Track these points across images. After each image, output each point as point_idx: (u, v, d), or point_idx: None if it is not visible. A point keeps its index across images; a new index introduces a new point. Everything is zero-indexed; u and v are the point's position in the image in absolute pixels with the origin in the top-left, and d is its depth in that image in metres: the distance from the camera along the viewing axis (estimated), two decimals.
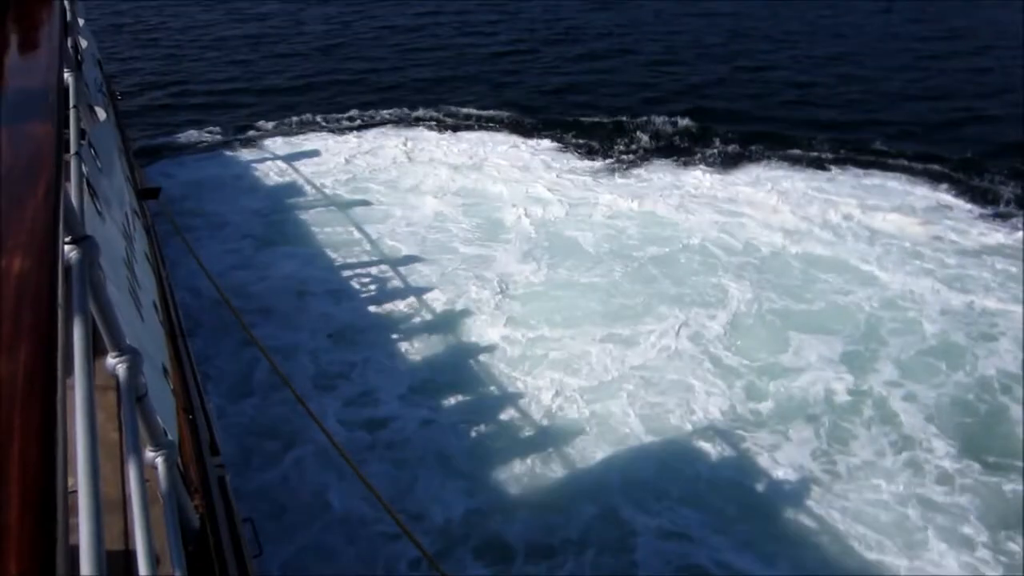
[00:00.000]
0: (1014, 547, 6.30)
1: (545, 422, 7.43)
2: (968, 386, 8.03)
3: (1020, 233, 11.19)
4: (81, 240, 1.89)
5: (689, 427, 7.41)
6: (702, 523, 6.41)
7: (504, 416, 7.51)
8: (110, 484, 2.78)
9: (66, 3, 4.32)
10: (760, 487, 6.89)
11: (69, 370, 1.35)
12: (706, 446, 7.21)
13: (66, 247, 1.79)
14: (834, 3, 28.39)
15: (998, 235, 11.14)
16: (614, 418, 7.44)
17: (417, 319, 9.11)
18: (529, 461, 6.99)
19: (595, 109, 16.95)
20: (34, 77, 2.41)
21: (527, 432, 7.36)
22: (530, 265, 10.27)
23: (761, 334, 8.85)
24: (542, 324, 8.90)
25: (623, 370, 8.16)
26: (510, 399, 7.71)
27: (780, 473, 7.00)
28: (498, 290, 9.67)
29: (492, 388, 7.94)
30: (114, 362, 2.08)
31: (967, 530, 6.47)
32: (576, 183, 13.09)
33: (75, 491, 1.32)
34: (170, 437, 2.38)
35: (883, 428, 7.54)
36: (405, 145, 14.60)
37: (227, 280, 9.03)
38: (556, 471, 6.92)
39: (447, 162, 13.80)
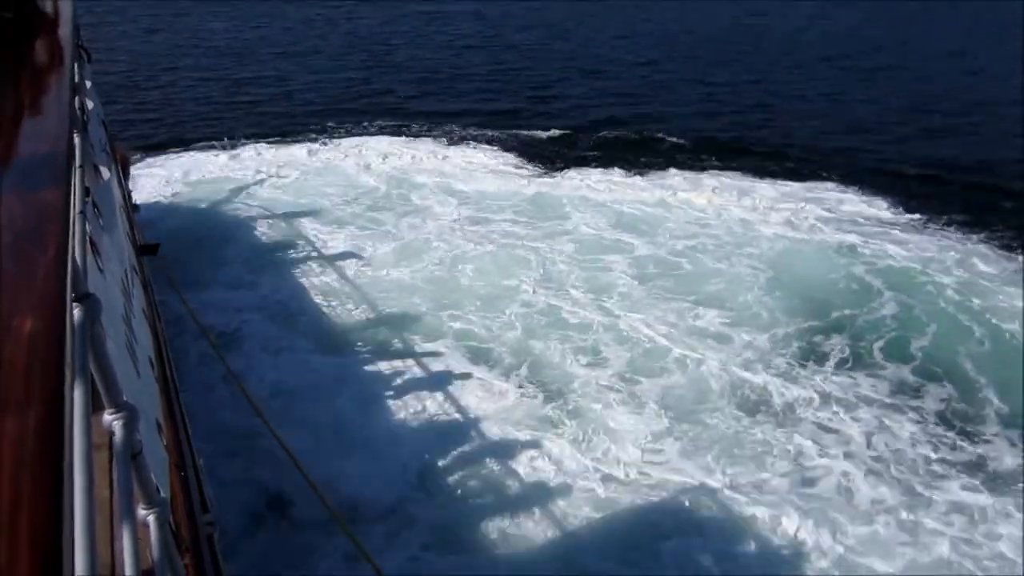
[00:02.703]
0: None
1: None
2: None
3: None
4: (84, 299, 1.90)
5: None
6: None
7: None
8: (101, 542, 2.76)
9: (75, 64, 4.45)
10: None
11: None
12: None
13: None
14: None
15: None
16: None
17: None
18: None
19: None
20: (44, 142, 2.49)
21: None
22: None
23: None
24: None
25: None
26: None
27: None
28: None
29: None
30: (111, 419, 2.08)
31: None
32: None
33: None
34: (162, 494, 2.38)
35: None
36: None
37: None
38: None
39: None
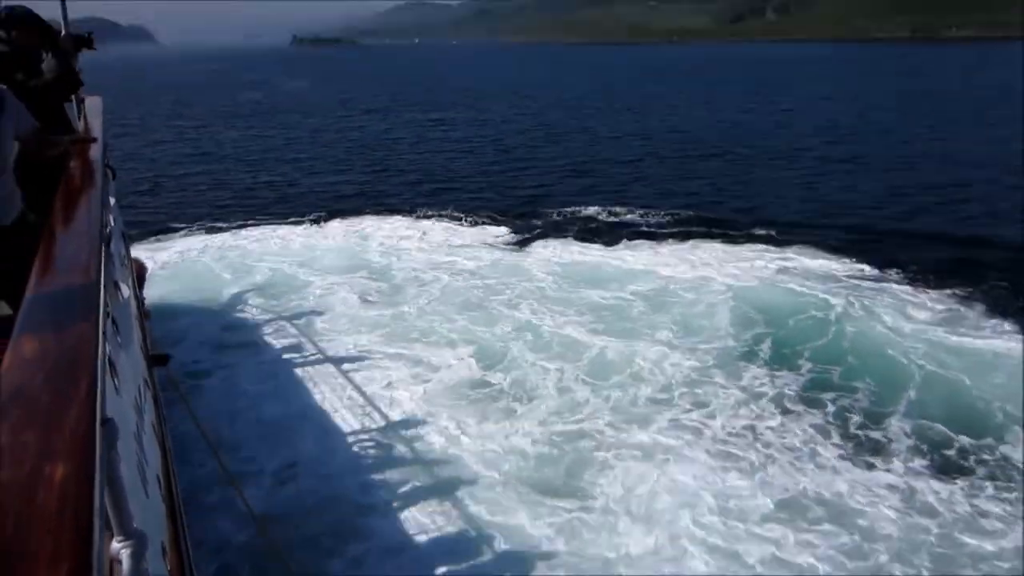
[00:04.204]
0: None
1: None
2: None
3: None
4: (103, 424, 1.94)
5: None
6: None
7: None
8: None
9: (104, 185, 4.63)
10: None
11: None
12: None
13: None
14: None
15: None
16: None
17: None
18: None
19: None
20: (76, 272, 2.56)
21: None
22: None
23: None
24: None
25: None
26: None
27: None
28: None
29: None
30: (119, 547, 2.04)
31: None
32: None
33: None
34: None
35: None
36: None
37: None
38: None
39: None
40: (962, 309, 12.61)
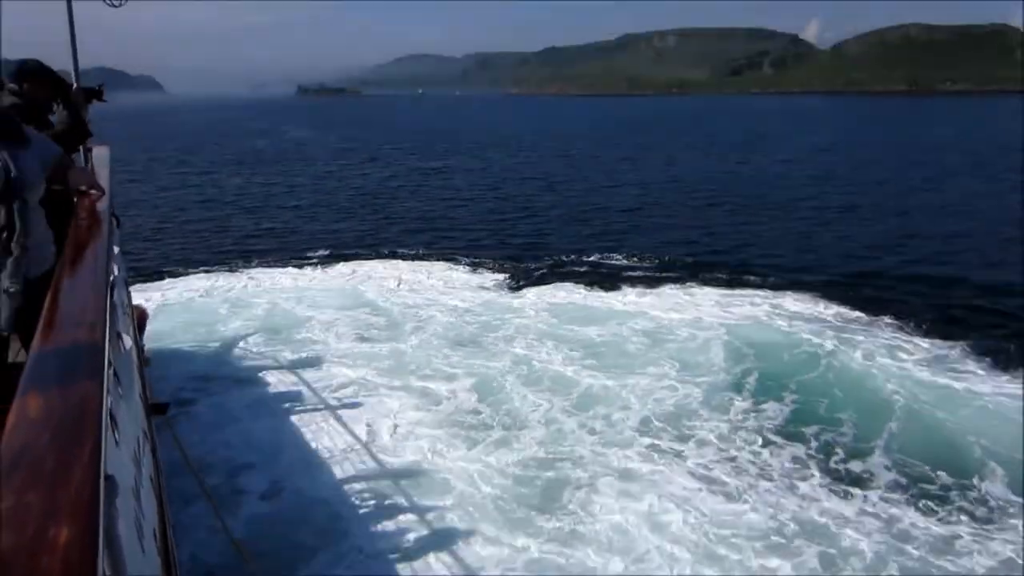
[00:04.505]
0: None
1: None
2: None
3: None
4: (105, 479, 1.92)
5: None
6: None
7: None
8: None
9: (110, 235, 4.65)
10: None
11: None
12: None
13: None
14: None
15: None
16: None
17: None
18: None
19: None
20: (82, 328, 2.56)
21: None
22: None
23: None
24: None
25: None
26: None
27: None
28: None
29: None
30: None
31: None
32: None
33: None
34: None
35: None
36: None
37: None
38: None
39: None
40: (948, 351, 12.87)
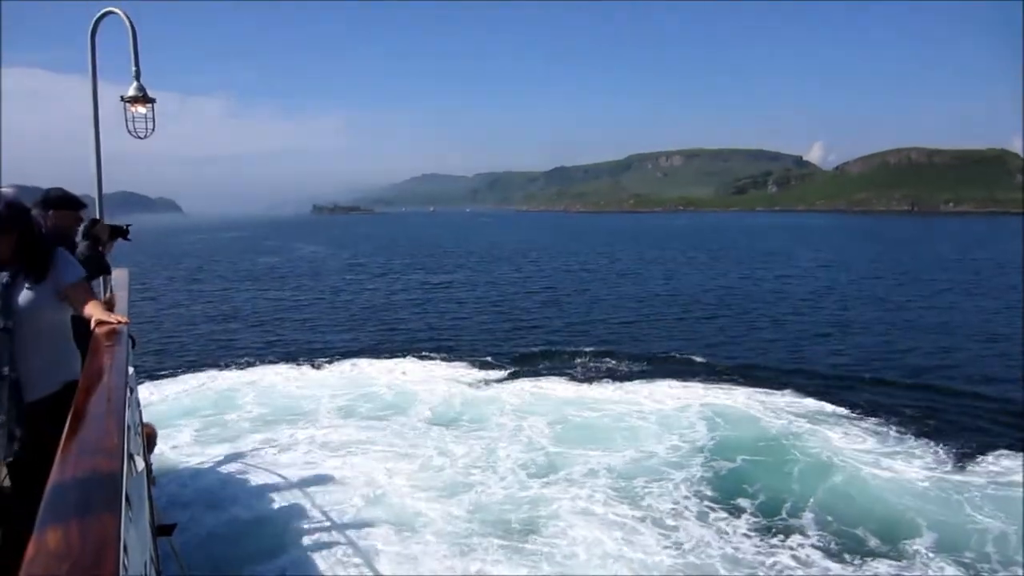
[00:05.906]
0: None
1: None
2: None
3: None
4: None
5: None
6: None
7: None
8: None
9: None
10: None
11: None
12: None
13: None
14: None
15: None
16: None
17: None
18: None
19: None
20: (101, 455, 2.65)
21: None
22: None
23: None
24: None
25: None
26: None
27: None
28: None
29: None
30: None
31: None
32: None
33: None
34: None
35: None
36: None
37: None
38: None
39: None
40: (913, 443, 13.93)
